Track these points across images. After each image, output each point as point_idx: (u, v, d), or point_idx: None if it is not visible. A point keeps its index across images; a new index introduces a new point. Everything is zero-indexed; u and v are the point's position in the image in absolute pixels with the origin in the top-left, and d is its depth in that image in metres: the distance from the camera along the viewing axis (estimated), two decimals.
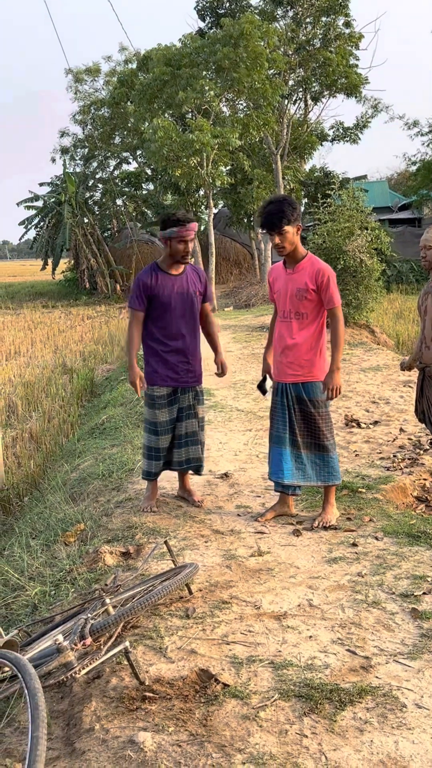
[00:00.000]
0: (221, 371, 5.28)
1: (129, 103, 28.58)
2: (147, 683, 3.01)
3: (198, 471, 5.29)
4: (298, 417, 4.76)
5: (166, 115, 23.35)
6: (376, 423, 7.37)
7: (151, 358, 5.05)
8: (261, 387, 5.07)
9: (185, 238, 4.88)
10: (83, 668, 2.84)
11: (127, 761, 2.57)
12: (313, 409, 4.72)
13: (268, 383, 4.99)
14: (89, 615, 3.19)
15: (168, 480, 5.63)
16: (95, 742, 2.70)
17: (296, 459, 4.79)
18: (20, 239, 41.02)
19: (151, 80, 22.38)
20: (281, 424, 4.78)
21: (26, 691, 2.33)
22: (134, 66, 29.76)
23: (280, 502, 4.99)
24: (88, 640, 3.02)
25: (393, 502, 5.21)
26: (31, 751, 2.15)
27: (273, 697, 2.89)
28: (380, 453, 6.33)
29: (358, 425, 7.26)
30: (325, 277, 4.58)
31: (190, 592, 3.83)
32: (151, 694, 2.94)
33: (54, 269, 38.00)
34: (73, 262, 37.25)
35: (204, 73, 21.65)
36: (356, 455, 6.31)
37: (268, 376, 5.01)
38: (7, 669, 2.88)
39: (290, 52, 23.62)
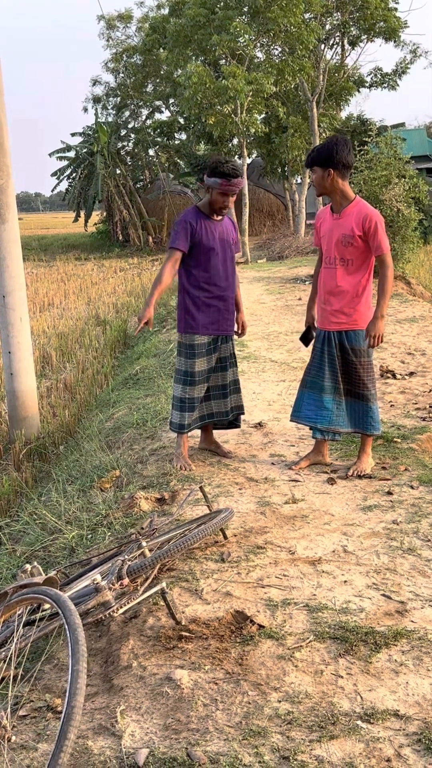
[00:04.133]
0: (241, 331, 5.22)
1: (161, 50, 28.04)
2: (183, 623, 3.06)
3: (238, 419, 5.26)
4: (341, 365, 4.70)
5: (199, 61, 22.86)
6: (411, 374, 7.29)
7: (191, 306, 4.90)
8: (304, 338, 4.99)
9: (227, 192, 4.73)
10: (121, 607, 2.89)
11: (164, 697, 2.62)
12: (355, 358, 4.66)
13: (312, 334, 4.91)
14: (126, 557, 3.23)
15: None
16: (133, 679, 2.76)
17: (337, 406, 4.75)
18: (52, 191, 40.80)
19: (185, 22, 21.87)
20: (319, 371, 4.73)
21: (66, 626, 2.37)
22: (166, 12, 29.12)
23: (315, 450, 4.98)
24: (126, 581, 3.07)
25: (429, 452, 5.17)
26: (72, 683, 2.20)
27: (308, 638, 2.92)
28: (416, 404, 6.26)
29: (394, 376, 7.19)
30: (373, 222, 4.46)
31: (225, 537, 3.86)
32: (187, 634, 2.98)
33: (86, 221, 37.81)
34: (105, 213, 37.05)
35: (238, 18, 21.10)
36: (391, 406, 6.26)
37: (311, 327, 4.94)
38: (47, 606, 2.94)
39: None
